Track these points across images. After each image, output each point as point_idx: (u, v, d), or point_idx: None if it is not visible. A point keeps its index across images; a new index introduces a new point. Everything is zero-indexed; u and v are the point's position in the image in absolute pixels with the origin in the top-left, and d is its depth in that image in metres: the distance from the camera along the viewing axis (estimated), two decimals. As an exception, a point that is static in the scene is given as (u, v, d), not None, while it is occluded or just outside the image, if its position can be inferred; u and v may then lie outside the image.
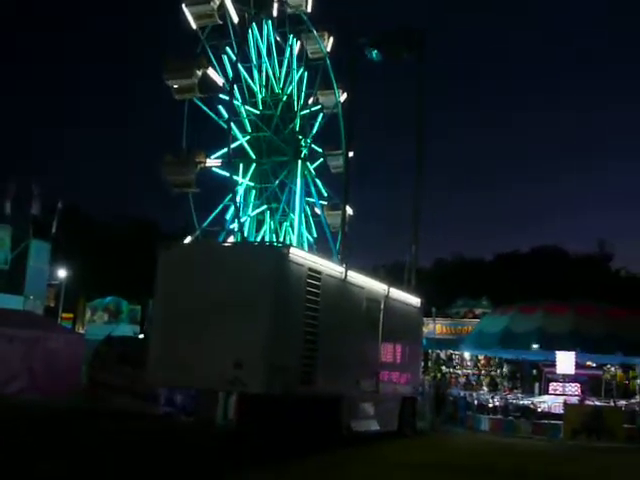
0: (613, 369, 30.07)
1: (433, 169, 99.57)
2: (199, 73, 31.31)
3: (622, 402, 23.98)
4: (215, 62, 32.46)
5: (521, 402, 23.92)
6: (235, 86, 32.66)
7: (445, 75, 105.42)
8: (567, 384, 24.41)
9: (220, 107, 32.62)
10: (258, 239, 33.06)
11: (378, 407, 17.60)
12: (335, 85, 35.07)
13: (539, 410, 22.94)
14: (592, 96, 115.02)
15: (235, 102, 32.89)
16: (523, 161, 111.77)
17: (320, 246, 33.93)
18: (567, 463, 16.60)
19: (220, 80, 32.52)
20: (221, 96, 32.51)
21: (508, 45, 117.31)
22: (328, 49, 35.26)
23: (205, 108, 32.42)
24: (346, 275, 16.02)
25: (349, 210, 32.80)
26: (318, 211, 34.87)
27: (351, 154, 33.85)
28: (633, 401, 23.64)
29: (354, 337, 16.56)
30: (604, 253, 63.75)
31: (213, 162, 32.33)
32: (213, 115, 32.60)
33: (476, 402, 24.63)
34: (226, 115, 31.83)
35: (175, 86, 31.38)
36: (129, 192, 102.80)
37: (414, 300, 20.89)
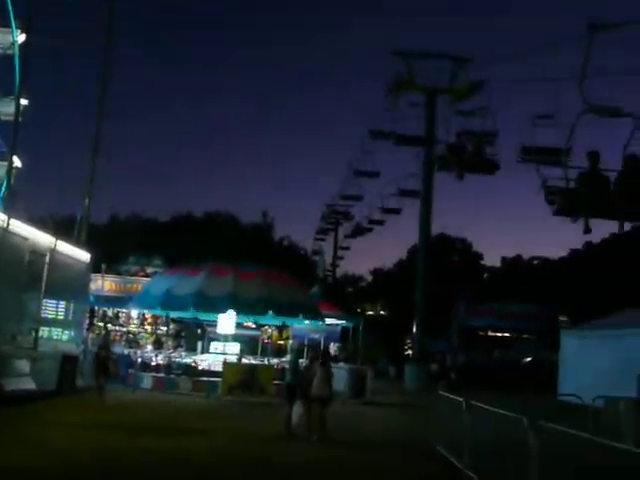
0: (270, 330, 32.45)
1: (115, 126, 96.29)
2: None
3: (275, 360, 25.99)
4: None
5: (184, 360, 24.58)
6: None
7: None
8: (228, 343, 25.64)
9: None
10: None
11: (35, 365, 16.74)
12: (13, 23, 31.50)
13: (200, 368, 23.79)
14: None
15: None
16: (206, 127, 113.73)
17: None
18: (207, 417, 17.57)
19: None
20: None
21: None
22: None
23: None
24: (8, 224, 14.85)
25: (17, 161, 30.27)
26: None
27: (25, 101, 31.11)
28: (284, 359, 25.68)
29: (12, 290, 15.54)
30: (267, 223, 68.00)
31: None
32: None
33: (140, 360, 24.71)
34: None
35: None
36: None
37: (83, 255, 20.17)
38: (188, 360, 24.58)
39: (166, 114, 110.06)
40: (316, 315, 27.40)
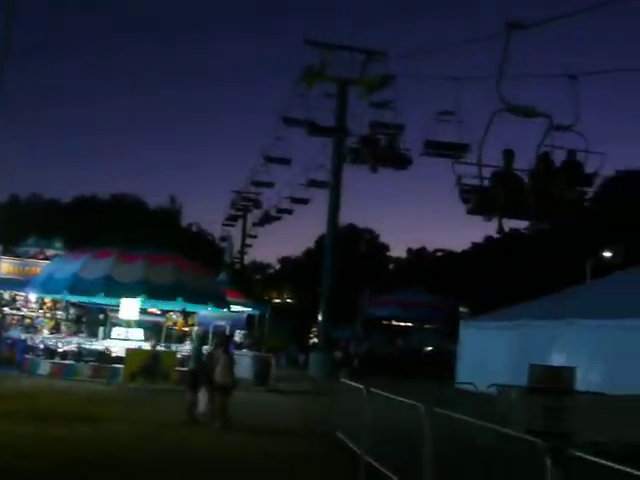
0: (175, 316, 31.95)
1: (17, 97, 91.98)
2: None
3: (182, 347, 25.66)
4: None
5: (86, 346, 23.89)
6: None
7: None
8: (131, 329, 25.10)
9: None
10: None
11: None
12: None
13: (103, 353, 23.20)
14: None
15: None
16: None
17: None
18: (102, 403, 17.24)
19: None
20: None
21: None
22: None
23: None
24: None
25: None
26: None
27: None
28: (189, 346, 25.32)
29: None
30: (175, 208, 66.92)
31: None
32: None
33: (41, 345, 23.89)
34: None
35: None
36: None
37: (-22, 235, 19.29)
38: (89, 346, 23.93)
39: (73, 91, 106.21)
40: (223, 303, 27.21)
